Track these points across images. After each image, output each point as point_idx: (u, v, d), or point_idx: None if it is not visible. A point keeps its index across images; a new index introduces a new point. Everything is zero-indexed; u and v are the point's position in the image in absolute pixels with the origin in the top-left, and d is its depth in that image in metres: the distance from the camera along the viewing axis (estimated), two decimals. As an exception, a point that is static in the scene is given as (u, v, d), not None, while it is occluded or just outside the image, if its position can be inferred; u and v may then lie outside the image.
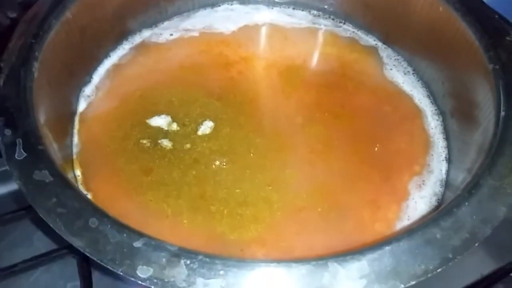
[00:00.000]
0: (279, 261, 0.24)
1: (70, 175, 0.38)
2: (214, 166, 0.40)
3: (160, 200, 0.38)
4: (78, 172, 0.39)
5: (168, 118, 0.43)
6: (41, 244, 0.42)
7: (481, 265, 0.41)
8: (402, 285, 0.24)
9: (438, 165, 0.41)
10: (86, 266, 0.40)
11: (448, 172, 0.41)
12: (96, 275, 0.40)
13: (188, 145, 0.41)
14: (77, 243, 0.25)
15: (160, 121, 0.42)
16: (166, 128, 0.42)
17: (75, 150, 0.41)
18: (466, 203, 0.27)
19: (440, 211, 0.27)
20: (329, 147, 0.42)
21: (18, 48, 0.35)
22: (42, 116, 0.34)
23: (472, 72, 0.39)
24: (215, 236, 0.36)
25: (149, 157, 0.40)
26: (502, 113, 0.32)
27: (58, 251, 0.40)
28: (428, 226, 0.26)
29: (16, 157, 0.29)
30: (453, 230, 0.26)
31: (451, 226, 0.26)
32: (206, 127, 0.42)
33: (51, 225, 0.26)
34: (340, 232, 0.37)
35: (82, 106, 0.44)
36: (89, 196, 0.38)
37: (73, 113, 0.43)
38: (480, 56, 0.37)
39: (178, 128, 0.42)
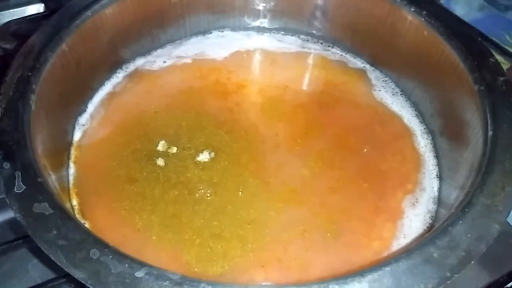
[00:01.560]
0: (284, 285, 0.25)
1: (67, 205, 0.38)
2: (197, 195, 0.40)
3: (134, 211, 0.39)
4: (74, 202, 0.39)
5: (166, 143, 0.43)
6: (37, 274, 0.42)
7: (476, 279, 0.42)
8: (403, 305, 0.24)
9: (430, 183, 0.42)
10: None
11: (440, 189, 0.41)
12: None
13: (180, 168, 0.42)
14: (79, 275, 0.25)
15: (159, 146, 0.43)
16: (163, 150, 0.43)
17: (71, 179, 0.41)
18: (460, 222, 0.28)
19: (436, 230, 0.27)
20: (322, 168, 0.43)
21: (15, 81, 0.36)
22: (39, 148, 0.34)
23: (458, 92, 0.41)
24: (179, 263, 0.36)
25: (138, 167, 0.41)
26: (490, 133, 0.33)
27: (55, 281, 0.40)
28: (425, 246, 0.27)
29: (16, 190, 0.29)
30: (449, 249, 0.26)
31: (447, 245, 0.27)
32: (206, 156, 0.42)
33: (52, 258, 0.26)
34: (336, 254, 0.37)
35: (77, 135, 0.44)
36: (87, 225, 0.38)
37: (69, 142, 0.43)
38: (465, 77, 0.39)
39: (177, 151, 0.43)
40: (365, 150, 0.44)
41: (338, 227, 0.38)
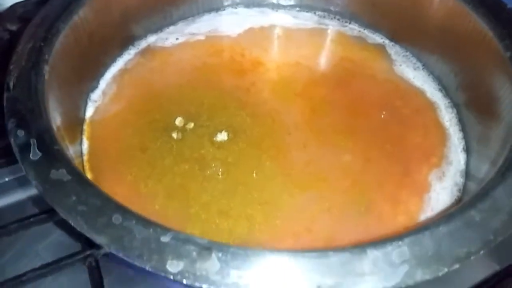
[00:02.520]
0: (317, 250, 0.23)
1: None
2: (208, 172, 0.38)
3: (140, 178, 0.38)
4: (88, 176, 0.38)
5: (183, 119, 0.42)
6: (48, 254, 0.41)
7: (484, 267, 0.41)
8: (446, 269, 0.23)
9: (456, 156, 0.40)
10: (98, 274, 0.38)
11: (467, 162, 0.40)
12: (107, 283, 0.38)
13: (195, 144, 0.40)
14: (101, 240, 0.24)
15: (176, 120, 0.42)
16: (180, 125, 0.41)
17: (85, 155, 0.39)
18: (502, 185, 0.26)
19: (477, 194, 0.26)
20: (344, 146, 0.41)
21: (28, 51, 0.34)
22: (53, 119, 0.33)
23: (487, 62, 0.39)
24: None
25: (152, 137, 0.40)
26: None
27: (68, 258, 0.39)
28: (466, 209, 0.25)
29: (31, 157, 0.27)
30: (492, 212, 0.25)
31: (489, 208, 0.25)
32: (224, 136, 0.41)
33: (72, 224, 0.24)
34: (362, 228, 0.36)
35: (90, 111, 0.43)
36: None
37: (82, 118, 0.42)
38: (494, 46, 0.37)
39: (195, 128, 0.41)
40: (388, 125, 0.43)
41: (362, 203, 0.37)
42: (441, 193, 0.38)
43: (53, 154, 0.28)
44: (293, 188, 0.38)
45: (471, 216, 0.25)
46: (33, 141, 0.28)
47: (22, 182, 0.45)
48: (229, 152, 0.40)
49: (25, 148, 0.28)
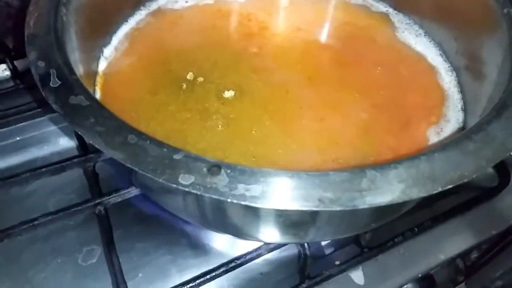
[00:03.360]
0: (318, 170, 0.25)
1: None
2: (208, 122, 0.40)
3: (143, 118, 0.40)
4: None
5: (194, 74, 0.44)
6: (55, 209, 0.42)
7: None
8: (440, 188, 0.24)
9: (454, 115, 0.42)
10: (107, 223, 0.40)
11: (465, 121, 0.41)
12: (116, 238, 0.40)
13: (201, 97, 0.42)
14: (118, 155, 0.25)
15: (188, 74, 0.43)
16: (191, 79, 0.43)
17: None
18: (495, 120, 0.28)
19: (471, 128, 0.27)
20: (344, 103, 0.43)
21: (45, -5, 0.36)
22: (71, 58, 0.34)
23: (485, 22, 0.41)
24: None
25: (163, 84, 0.42)
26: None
27: (79, 206, 0.40)
28: (460, 140, 0.27)
29: (51, 84, 0.29)
30: (485, 142, 0.26)
31: (483, 139, 0.27)
32: (231, 94, 0.42)
33: (91, 142, 0.26)
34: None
35: (102, 65, 0.44)
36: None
37: (95, 71, 0.43)
38: (492, 5, 0.39)
39: (204, 82, 0.43)
40: (389, 86, 0.44)
41: (359, 157, 0.38)
42: (438, 147, 0.39)
43: (71, 83, 0.29)
44: (291, 143, 0.39)
45: (465, 145, 0.26)
46: (52, 71, 0.30)
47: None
48: (233, 108, 0.41)
49: (45, 77, 0.29)
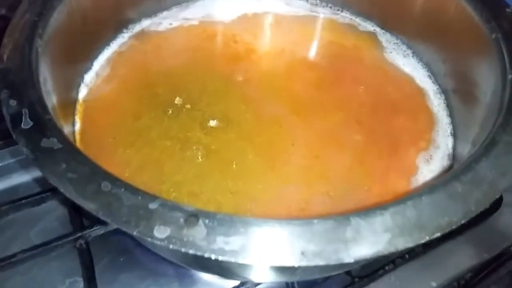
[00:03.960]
0: (301, 219, 0.24)
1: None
2: (188, 152, 0.39)
3: (121, 142, 0.39)
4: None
5: (182, 99, 0.43)
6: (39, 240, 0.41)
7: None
8: (427, 237, 0.23)
9: (444, 140, 0.41)
10: (88, 257, 0.39)
11: (454, 146, 0.41)
12: (98, 269, 0.39)
13: (185, 124, 0.41)
14: (90, 206, 0.24)
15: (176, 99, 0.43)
16: (179, 104, 0.42)
17: (77, 136, 0.40)
18: (484, 158, 0.27)
19: (459, 167, 0.27)
20: (333, 133, 0.41)
21: (22, 24, 0.35)
22: (46, 95, 0.33)
23: (473, 46, 0.40)
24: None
25: (148, 108, 0.42)
26: (509, 76, 0.32)
27: (59, 240, 0.39)
28: (448, 181, 0.26)
29: (22, 126, 0.28)
30: (474, 184, 0.26)
31: (472, 180, 0.26)
32: (216, 123, 0.41)
33: (62, 191, 0.25)
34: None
35: (83, 92, 0.43)
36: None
37: (74, 99, 0.42)
38: (481, 29, 0.38)
39: (191, 109, 0.42)
40: (378, 110, 0.43)
41: (348, 187, 0.37)
42: (428, 176, 0.38)
43: (44, 123, 0.28)
44: (273, 178, 0.37)
45: (453, 187, 0.25)
46: (24, 111, 0.29)
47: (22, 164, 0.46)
48: (216, 139, 0.40)
49: (17, 117, 0.28)
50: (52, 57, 0.36)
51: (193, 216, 0.24)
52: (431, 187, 0.25)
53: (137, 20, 0.50)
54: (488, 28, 0.37)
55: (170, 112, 0.42)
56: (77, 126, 0.40)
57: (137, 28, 0.49)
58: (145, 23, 0.50)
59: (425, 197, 0.25)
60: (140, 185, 0.35)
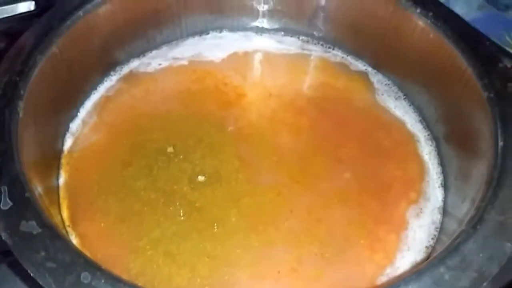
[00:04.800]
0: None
1: (57, 218, 0.36)
2: (171, 208, 0.38)
3: (105, 192, 0.39)
4: (64, 214, 0.38)
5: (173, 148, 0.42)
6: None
7: None
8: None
9: (434, 192, 0.41)
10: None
11: (445, 199, 0.40)
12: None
13: (174, 176, 0.40)
14: (69, 301, 0.23)
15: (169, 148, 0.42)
16: (172, 152, 0.42)
17: (61, 190, 0.39)
18: (472, 240, 0.26)
19: (446, 249, 0.26)
20: (318, 177, 0.41)
21: (2, 86, 0.34)
22: (27, 159, 0.32)
23: (466, 98, 0.39)
24: (121, 265, 0.35)
25: (141, 153, 0.41)
26: (501, 143, 0.31)
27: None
28: (435, 266, 0.25)
29: (1, 206, 0.27)
30: (461, 269, 0.25)
31: (459, 266, 0.25)
32: (203, 179, 0.40)
33: (40, 283, 0.24)
34: (336, 271, 0.36)
35: (68, 143, 0.42)
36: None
37: (59, 151, 0.41)
38: (473, 84, 0.37)
39: (182, 160, 0.41)
40: (367, 156, 0.43)
41: (338, 242, 0.37)
42: (418, 231, 0.38)
43: (24, 203, 0.28)
44: (254, 241, 0.36)
45: (440, 273, 0.25)
46: (4, 189, 0.28)
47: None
48: (201, 196, 0.39)
49: (-5, 197, 0.28)
50: (34, 114, 0.36)
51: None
52: (417, 272, 0.25)
53: (125, 61, 0.49)
54: (481, 85, 0.36)
55: (161, 162, 0.41)
56: (61, 180, 0.40)
57: (125, 69, 0.49)
58: (134, 64, 0.50)
59: (412, 285, 0.24)
60: (116, 238, 0.36)
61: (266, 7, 0.53)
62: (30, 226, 0.26)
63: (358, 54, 0.52)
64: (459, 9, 0.70)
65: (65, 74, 0.41)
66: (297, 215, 0.38)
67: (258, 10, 0.53)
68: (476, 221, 0.27)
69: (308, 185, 0.40)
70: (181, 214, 0.38)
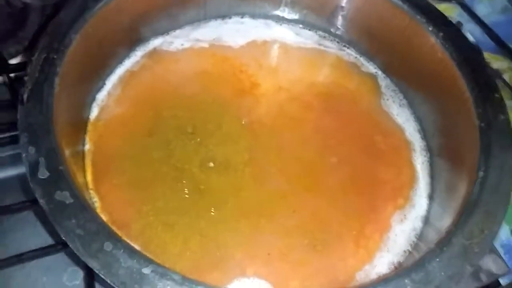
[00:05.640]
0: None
1: (81, 181, 0.41)
2: (178, 184, 0.42)
3: (121, 155, 0.43)
4: (88, 177, 0.42)
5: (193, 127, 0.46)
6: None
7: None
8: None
9: (420, 201, 0.44)
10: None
11: (429, 209, 0.44)
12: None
13: (186, 155, 0.44)
14: (93, 264, 0.28)
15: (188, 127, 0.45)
16: (191, 132, 0.45)
17: (86, 155, 0.43)
18: (437, 259, 0.30)
19: (414, 264, 0.30)
20: (317, 175, 0.45)
21: (41, 62, 0.37)
22: (60, 128, 0.36)
23: (461, 120, 0.42)
24: (129, 223, 0.39)
25: (163, 126, 0.45)
26: (480, 173, 0.35)
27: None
28: (401, 277, 0.29)
29: (39, 176, 0.31)
30: (423, 283, 0.29)
31: (421, 280, 0.29)
32: (212, 165, 0.43)
33: (70, 246, 0.29)
34: (321, 260, 0.40)
35: (94, 112, 0.46)
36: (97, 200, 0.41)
37: (86, 119, 0.45)
38: (469, 108, 0.40)
39: (199, 142, 0.45)
40: (363, 158, 0.47)
41: (328, 235, 0.41)
42: (399, 235, 0.42)
43: (59, 175, 0.32)
44: (244, 229, 0.40)
45: (404, 284, 0.29)
46: (41, 160, 0.32)
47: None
48: (207, 180, 0.42)
49: (34, 166, 0.32)
50: (67, 88, 0.39)
51: (179, 285, 0.28)
52: (384, 280, 0.29)
53: (150, 38, 0.52)
54: (476, 113, 0.39)
55: (180, 139, 0.45)
56: (87, 146, 0.44)
57: (149, 46, 0.52)
58: (157, 42, 0.52)
59: (379, 288, 0.29)
60: (127, 200, 0.40)
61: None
62: (64, 196, 0.31)
63: (371, 56, 0.54)
64: (483, 9, 0.72)
65: (95, 50, 0.44)
66: (290, 209, 0.42)
67: (281, -4, 0.55)
68: (444, 243, 0.31)
69: (307, 184, 0.44)
70: (186, 191, 0.42)
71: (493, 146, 0.36)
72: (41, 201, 0.30)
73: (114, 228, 0.31)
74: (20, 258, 0.38)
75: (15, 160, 0.47)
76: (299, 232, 0.41)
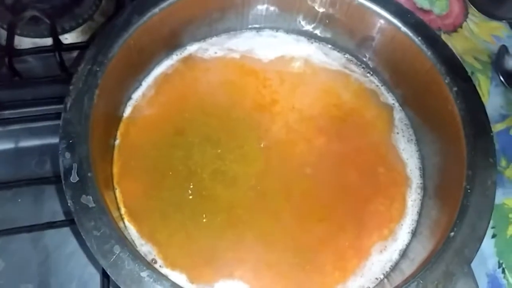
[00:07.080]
0: None
1: (108, 174, 0.48)
2: (185, 184, 0.47)
3: (140, 151, 0.49)
4: (114, 171, 0.49)
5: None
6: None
7: None
8: None
9: (403, 236, 0.48)
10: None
11: (409, 244, 0.48)
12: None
13: (202, 162, 0.49)
14: (103, 262, 0.35)
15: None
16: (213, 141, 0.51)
17: (116, 150, 0.50)
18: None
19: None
20: (316, 199, 0.49)
21: (86, 73, 0.43)
22: (95, 135, 0.43)
23: (458, 169, 0.45)
24: (138, 206, 0.47)
25: (191, 126, 0.51)
26: (452, 234, 0.39)
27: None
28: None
29: (71, 180, 0.38)
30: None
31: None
32: (223, 177, 0.48)
33: (87, 243, 0.36)
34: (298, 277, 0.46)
35: (128, 110, 0.52)
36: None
37: (120, 116, 0.51)
38: (462, 169, 0.43)
39: (220, 153, 0.50)
40: (362, 186, 0.51)
41: (310, 252, 0.46)
42: (375, 264, 0.47)
43: (86, 181, 0.39)
44: (231, 235, 0.46)
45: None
46: (74, 166, 0.39)
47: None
48: (211, 189, 0.47)
49: (68, 170, 0.39)
50: (106, 96, 0.45)
51: (170, 289, 0.35)
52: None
53: (188, 43, 0.56)
54: (466, 175, 0.42)
55: (202, 145, 0.50)
56: (117, 141, 0.51)
57: (185, 52, 0.56)
58: (194, 47, 0.57)
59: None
60: (137, 180, 0.47)
61: (325, 11, 0.56)
62: (88, 200, 0.38)
63: (391, 87, 0.56)
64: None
65: (135, 59, 0.49)
66: (283, 226, 0.48)
67: (317, 12, 0.57)
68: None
69: (305, 208, 0.49)
70: (190, 192, 0.47)
71: (469, 207, 0.40)
72: (70, 202, 0.38)
73: (121, 199, 0.42)
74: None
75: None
76: (283, 246, 0.46)
